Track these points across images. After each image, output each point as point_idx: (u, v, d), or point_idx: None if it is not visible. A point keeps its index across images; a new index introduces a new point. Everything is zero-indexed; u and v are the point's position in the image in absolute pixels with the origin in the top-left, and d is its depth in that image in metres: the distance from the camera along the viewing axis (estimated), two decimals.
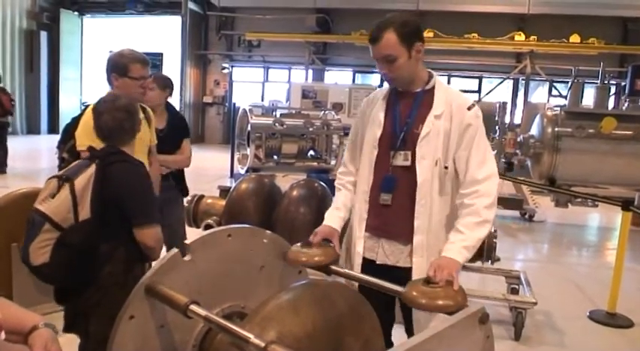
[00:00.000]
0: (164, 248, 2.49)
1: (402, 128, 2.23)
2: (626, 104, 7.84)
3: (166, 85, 3.94)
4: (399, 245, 2.24)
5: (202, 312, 1.74)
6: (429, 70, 2.29)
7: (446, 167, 2.18)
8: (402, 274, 2.16)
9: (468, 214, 2.11)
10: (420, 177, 2.18)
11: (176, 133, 3.92)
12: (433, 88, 2.25)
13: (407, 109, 2.25)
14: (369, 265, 2.27)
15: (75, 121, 2.97)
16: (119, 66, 2.97)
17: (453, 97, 2.24)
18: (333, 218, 2.34)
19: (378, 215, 2.27)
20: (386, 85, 2.38)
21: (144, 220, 2.26)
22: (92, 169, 2.26)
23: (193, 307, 1.74)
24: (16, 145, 11.48)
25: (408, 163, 2.20)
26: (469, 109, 2.19)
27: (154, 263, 2.13)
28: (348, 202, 2.39)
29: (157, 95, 3.87)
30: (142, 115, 3.16)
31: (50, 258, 2.17)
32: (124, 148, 2.41)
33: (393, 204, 2.23)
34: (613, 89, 12.39)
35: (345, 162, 2.48)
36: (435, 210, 2.18)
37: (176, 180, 3.98)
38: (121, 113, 2.41)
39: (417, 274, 2.14)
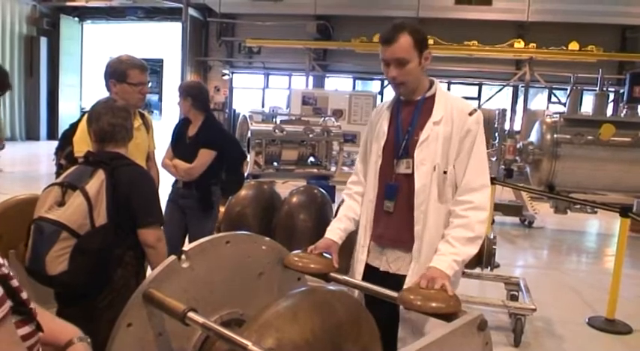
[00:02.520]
0: None
1: (404, 136, 2.24)
2: (624, 111, 7.86)
3: (187, 93, 3.91)
4: (401, 253, 2.25)
5: (200, 319, 1.73)
6: (430, 77, 2.30)
7: (445, 172, 2.17)
8: (402, 282, 2.17)
9: (461, 226, 2.11)
10: (417, 182, 2.19)
11: (199, 142, 3.86)
12: (434, 95, 2.25)
13: (408, 117, 2.26)
14: (373, 273, 2.28)
15: (73, 128, 2.97)
16: (117, 72, 2.97)
17: (454, 102, 2.24)
18: (332, 231, 2.36)
19: (382, 223, 2.29)
20: (388, 92, 2.40)
21: (147, 219, 2.31)
22: (101, 174, 2.28)
23: (191, 314, 1.73)
24: (15, 151, 11.49)
25: (410, 170, 2.21)
26: (470, 114, 2.19)
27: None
28: (351, 213, 2.40)
29: (182, 104, 3.93)
30: (140, 121, 3.17)
31: (69, 265, 2.17)
32: (121, 150, 2.43)
33: (395, 211, 2.24)
34: (611, 96, 12.42)
35: (356, 170, 2.49)
36: (430, 216, 2.18)
37: (199, 190, 3.87)
38: (122, 112, 2.47)
39: (411, 280, 2.14)
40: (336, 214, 2.56)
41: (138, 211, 2.30)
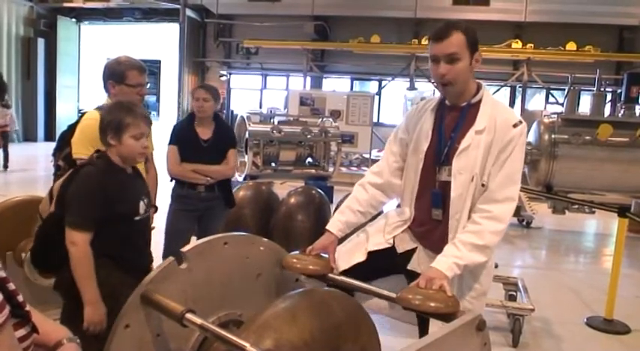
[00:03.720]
0: None
1: (447, 143, 2.20)
2: (622, 111, 7.88)
3: (219, 96, 3.94)
4: (434, 255, 2.18)
5: (198, 320, 1.73)
6: (478, 81, 2.24)
7: (483, 185, 2.13)
8: None
9: (472, 232, 2.08)
10: (454, 191, 2.15)
11: (222, 144, 3.88)
12: (480, 102, 2.20)
13: (452, 123, 2.21)
14: (389, 251, 2.29)
15: (71, 129, 2.95)
16: (116, 73, 2.96)
17: (499, 111, 2.18)
18: (333, 224, 2.34)
19: (424, 225, 2.27)
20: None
21: (70, 219, 2.23)
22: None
23: (189, 315, 1.73)
24: (12, 152, 11.48)
25: (451, 178, 2.17)
26: (515, 126, 2.13)
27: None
28: (356, 205, 2.36)
29: (212, 106, 3.85)
30: None
31: (33, 244, 2.40)
32: (108, 150, 2.39)
33: (442, 219, 2.22)
34: (609, 96, 12.45)
35: (380, 162, 2.44)
36: (462, 225, 2.15)
37: (222, 191, 3.91)
38: (103, 114, 2.47)
39: None
40: (337, 209, 2.54)
41: (66, 208, 2.27)
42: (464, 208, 2.15)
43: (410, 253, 2.29)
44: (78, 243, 2.21)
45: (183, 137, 3.88)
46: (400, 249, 2.30)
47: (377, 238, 2.33)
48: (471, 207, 2.15)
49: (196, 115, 3.88)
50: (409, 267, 2.26)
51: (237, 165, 3.97)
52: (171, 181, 3.94)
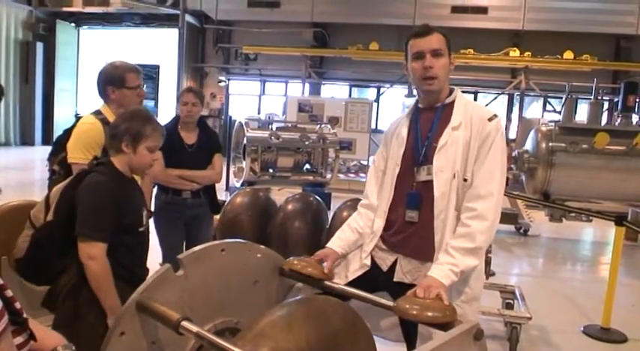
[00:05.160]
0: None
1: (424, 143, 2.22)
2: (618, 120, 7.89)
3: (204, 99, 3.92)
4: (418, 263, 2.20)
5: (194, 328, 1.71)
6: (451, 86, 2.29)
7: (465, 179, 2.14)
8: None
9: (463, 236, 2.08)
10: (437, 191, 2.15)
11: (207, 148, 3.86)
12: (453, 102, 2.24)
13: (428, 123, 2.25)
14: (375, 272, 2.27)
15: (66, 133, 2.95)
16: (115, 78, 2.96)
17: (473, 108, 2.23)
18: (332, 241, 2.39)
19: (399, 232, 2.25)
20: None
21: (80, 230, 2.16)
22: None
23: (185, 323, 1.72)
24: (9, 156, 11.44)
25: (431, 177, 2.18)
26: (490, 119, 2.17)
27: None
28: (354, 223, 2.41)
29: (199, 111, 3.83)
30: None
31: (25, 253, 2.26)
32: (114, 158, 2.35)
33: (419, 221, 2.20)
34: (606, 105, 12.47)
35: (365, 187, 2.48)
36: (449, 225, 2.14)
37: (207, 196, 3.89)
38: (115, 120, 2.45)
39: None
40: (331, 225, 2.57)
41: (77, 220, 2.18)
42: (448, 207, 2.15)
43: (394, 266, 2.27)
44: (96, 257, 2.14)
45: (167, 142, 3.80)
46: (384, 267, 2.29)
47: (354, 265, 2.33)
48: (456, 205, 2.15)
49: (182, 119, 3.83)
50: (395, 279, 2.25)
51: (222, 169, 3.91)
52: (153, 186, 3.88)
